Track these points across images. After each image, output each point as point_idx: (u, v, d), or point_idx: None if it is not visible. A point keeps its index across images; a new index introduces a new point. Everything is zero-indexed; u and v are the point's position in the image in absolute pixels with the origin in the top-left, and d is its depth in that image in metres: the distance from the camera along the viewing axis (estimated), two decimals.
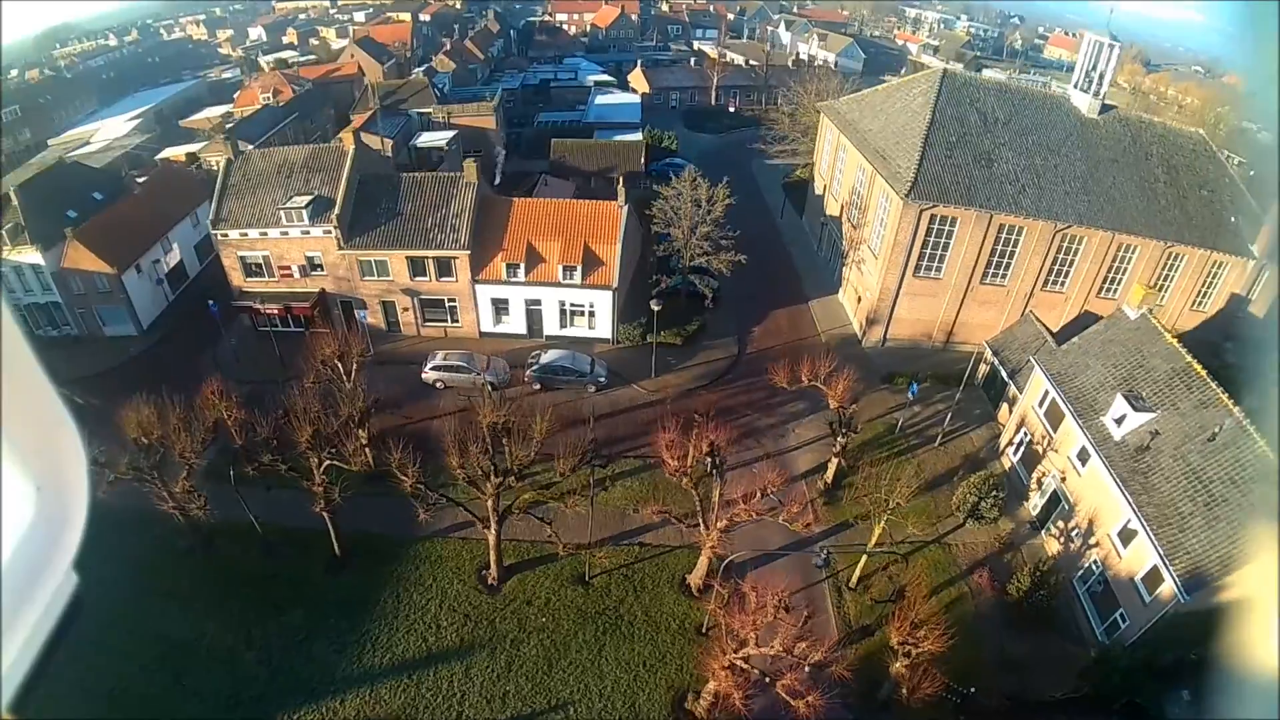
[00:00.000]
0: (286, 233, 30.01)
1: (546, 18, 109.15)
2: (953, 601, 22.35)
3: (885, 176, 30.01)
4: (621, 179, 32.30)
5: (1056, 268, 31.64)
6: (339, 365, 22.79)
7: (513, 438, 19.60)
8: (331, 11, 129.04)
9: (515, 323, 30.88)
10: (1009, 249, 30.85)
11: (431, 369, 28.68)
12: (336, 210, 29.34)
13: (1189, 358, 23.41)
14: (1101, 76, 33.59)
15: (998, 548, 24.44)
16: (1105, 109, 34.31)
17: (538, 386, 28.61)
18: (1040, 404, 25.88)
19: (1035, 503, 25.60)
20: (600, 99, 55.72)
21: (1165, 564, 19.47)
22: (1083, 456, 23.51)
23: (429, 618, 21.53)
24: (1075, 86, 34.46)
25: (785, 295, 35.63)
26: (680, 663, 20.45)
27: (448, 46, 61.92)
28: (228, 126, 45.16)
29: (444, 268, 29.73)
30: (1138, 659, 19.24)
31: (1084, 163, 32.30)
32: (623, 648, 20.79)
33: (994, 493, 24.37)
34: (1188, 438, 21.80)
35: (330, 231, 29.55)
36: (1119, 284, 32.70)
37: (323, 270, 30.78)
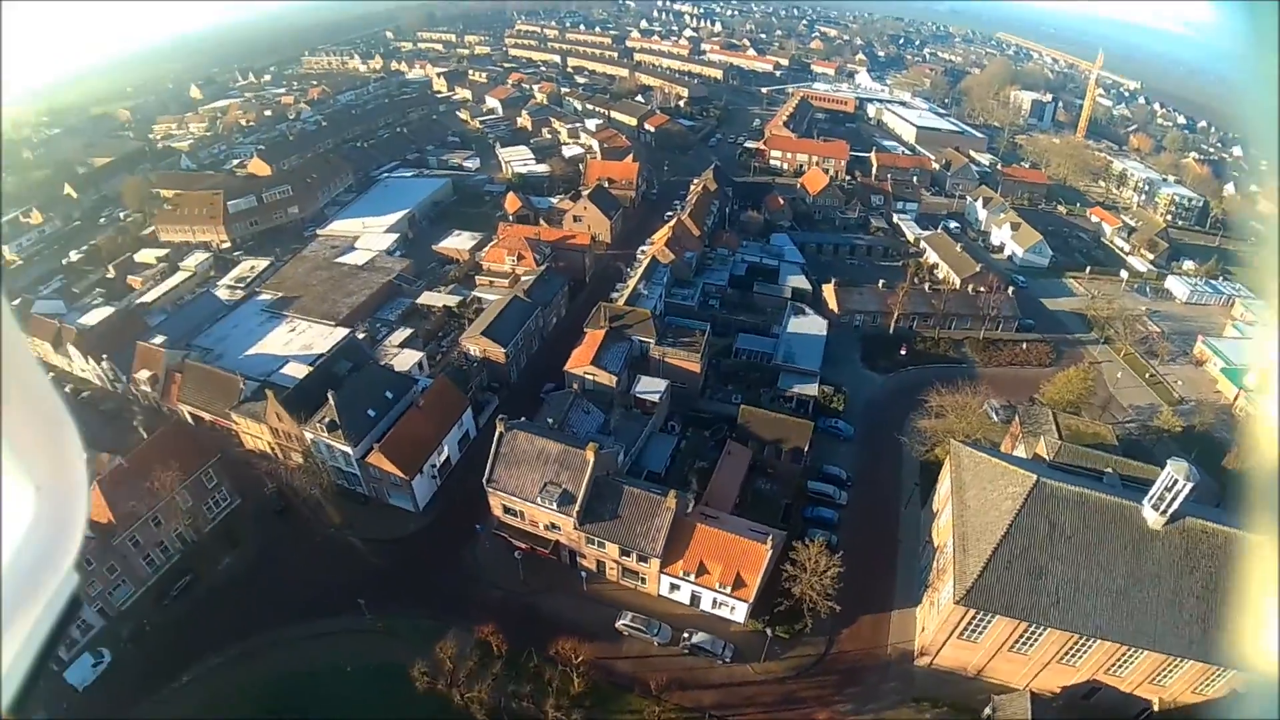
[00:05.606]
0: (539, 505, 51.24)
1: (761, 147, 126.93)
2: None
3: (955, 573, 47.89)
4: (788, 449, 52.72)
5: (1070, 652, 49.26)
6: (573, 655, 44.75)
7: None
8: (564, 92, 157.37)
9: (683, 596, 52.03)
10: (1034, 637, 48.66)
11: (623, 624, 50.64)
12: (577, 506, 50.23)
13: None
14: (1175, 498, 48.41)
15: None
16: (1174, 519, 49.01)
17: (687, 652, 50.03)
18: None
19: None
20: (792, 324, 75.43)
21: None
22: None
23: None
24: (1148, 502, 49.52)
25: (876, 599, 54.93)
26: None
27: (668, 235, 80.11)
28: (484, 327, 66.58)
29: (643, 558, 50.57)
30: None
31: (1125, 578, 48.46)
32: None
33: None
34: None
35: (570, 517, 50.58)
36: (1126, 668, 49.86)
37: (559, 530, 52.19)
